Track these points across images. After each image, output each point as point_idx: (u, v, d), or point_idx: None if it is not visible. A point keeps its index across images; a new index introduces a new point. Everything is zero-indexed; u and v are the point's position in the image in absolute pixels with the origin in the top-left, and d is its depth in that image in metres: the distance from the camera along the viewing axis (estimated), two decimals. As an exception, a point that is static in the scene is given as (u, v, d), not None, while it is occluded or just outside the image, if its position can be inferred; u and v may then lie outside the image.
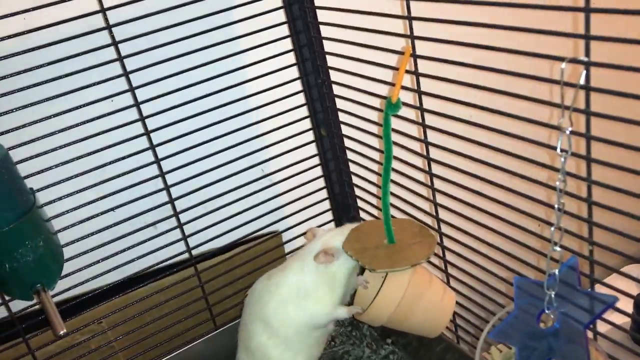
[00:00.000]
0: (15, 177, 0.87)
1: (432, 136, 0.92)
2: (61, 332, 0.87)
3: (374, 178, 1.16)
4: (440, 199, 0.96)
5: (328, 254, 0.97)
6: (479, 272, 0.94)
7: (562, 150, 0.65)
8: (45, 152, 0.95)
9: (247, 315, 1.06)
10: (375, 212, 1.19)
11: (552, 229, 0.68)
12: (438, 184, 0.94)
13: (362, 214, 1.25)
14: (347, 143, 1.18)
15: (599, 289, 0.78)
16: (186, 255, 1.14)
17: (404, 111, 0.93)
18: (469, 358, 1.00)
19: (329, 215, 1.28)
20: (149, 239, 1.09)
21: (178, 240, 1.11)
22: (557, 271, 0.69)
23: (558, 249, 0.68)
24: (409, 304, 0.93)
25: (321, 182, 1.24)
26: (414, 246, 0.92)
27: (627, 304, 0.79)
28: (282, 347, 1.01)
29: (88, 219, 1.02)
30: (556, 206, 0.67)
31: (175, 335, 1.15)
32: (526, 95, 0.73)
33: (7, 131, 0.91)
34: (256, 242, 1.21)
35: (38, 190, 0.94)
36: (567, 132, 0.65)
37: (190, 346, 1.16)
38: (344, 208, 1.26)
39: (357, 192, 1.23)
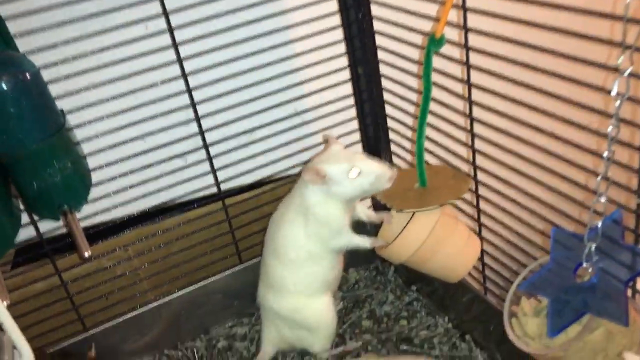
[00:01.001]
0: (45, 96, 0.86)
1: (476, 77, 0.87)
2: (86, 254, 0.88)
3: (410, 121, 1.12)
4: (479, 144, 0.91)
5: (319, 175, 0.92)
6: (514, 223, 0.90)
7: (617, 94, 0.60)
8: (77, 74, 0.93)
9: (264, 248, 1.06)
10: (408, 157, 1.15)
11: (599, 178, 0.64)
12: (478, 128, 0.90)
13: (395, 159, 1.21)
14: (385, 83, 1.13)
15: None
16: (214, 190, 1.13)
17: (447, 49, 0.88)
18: (496, 310, 0.97)
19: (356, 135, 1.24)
20: (178, 170, 1.08)
21: (206, 173, 1.10)
22: (599, 223, 0.65)
23: (603, 200, 0.64)
24: (432, 246, 0.91)
25: (354, 124, 1.21)
26: (445, 188, 0.90)
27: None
28: (297, 275, 1.00)
29: (117, 144, 1.01)
30: (605, 154, 0.63)
31: (200, 267, 1.15)
32: (581, 32, 0.68)
33: (40, 49, 0.89)
34: (285, 181, 1.19)
35: (68, 113, 0.93)
36: (626, 73, 0.60)
37: (215, 279, 1.16)
38: (376, 152, 1.22)
39: (392, 135, 1.18)
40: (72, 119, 0.93)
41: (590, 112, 0.70)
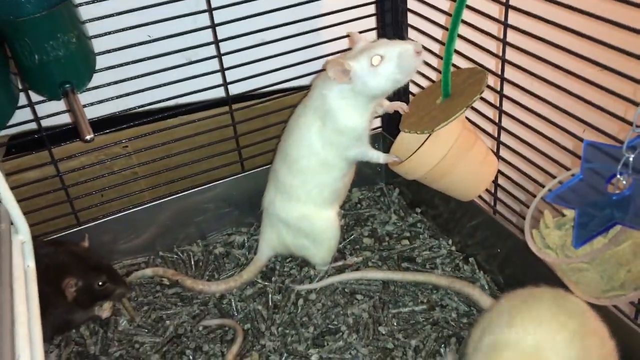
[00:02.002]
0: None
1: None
2: (87, 137, 0.83)
3: (436, 32, 1.06)
4: (510, 54, 0.86)
5: (344, 69, 0.85)
6: (537, 140, 0.86)
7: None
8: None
9: (276, 153, 1.03)
10: (433, 75, 1.10)
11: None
12: (511, 36, 0.85)
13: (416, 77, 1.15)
14: (411, 4, 1.07)
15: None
16: (222, 93, 1.07)
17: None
18: (504, 232, 0.95)
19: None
20: (185, 64, 1.02)
21: (215, 72, 1.04)
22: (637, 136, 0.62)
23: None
24: (450, 163, 0.88)
25: (373, 35, 1.15)
26: (465, 91, 0.85)
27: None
28: (307, 184, 0.97)
29: (124, 29, 0.94)
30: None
31: (201, 172, 1.11)
32: None
33: None
34: (294, 92, 1.14)
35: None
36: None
37: (215, 184, 1.12)
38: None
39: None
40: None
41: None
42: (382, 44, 0.87)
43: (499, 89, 0.90)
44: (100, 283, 0.90)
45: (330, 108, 0.90)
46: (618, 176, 0.64)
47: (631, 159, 0.63)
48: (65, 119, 1.00)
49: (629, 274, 0.65)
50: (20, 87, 0.91)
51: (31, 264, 0.72)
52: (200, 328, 0.95)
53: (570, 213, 0.73)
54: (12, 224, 0.70)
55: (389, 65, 0.85)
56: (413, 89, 1.13)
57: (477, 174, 0.91)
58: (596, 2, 0.73)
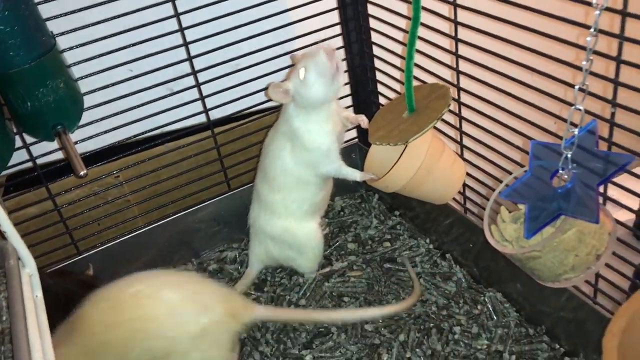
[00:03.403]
0: (36, 17, 0.87)
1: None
2: (81, 173, 0.90)
3: (397, 48, 1.14)
4: (463, 66, 0.94)
5: (278, 89, 0.95)
6: (494, 141, 0.94)
7: (596, 4, 0.63)
8: (65, -4, 0.94)
9: (257, 173, 1.11)
10: (395, 85, 1.18)
11: (576, 87, 0.67)
12: (462, 50, 0.93)
13: (380, 87, 1.23)
14: (371, 10, 1.14)
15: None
16: (203, 118, 1.15)
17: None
18: (475, 229, 1.02)
19: (346, 89, 1.26)
20: (167, 96, 1.09)
21: (195, 100, 1.11)
22: (576, 131, 0.70)
23: (581, 107, 0.68)
24: (425, 172, 0.94)
25: (341, 54, 1.22)
26: (430, 108, 0.92)
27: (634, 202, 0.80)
28: (287, 199, 1.04)
29: (108, 69, 1.01)
30: (584, 64, 0.66)
31: (190, 194, 1.18)
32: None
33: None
34: (271, 112, 1.21)
35: (58, 35, 0.93)
36: (606, -15, 0.62)
37: (204, 205, 1.19)
38: (362, 81, 1.24)
39: (377, 63, 1.20)
40: (61, 42, 0.94)
41: (570, 25, 0.73)
42: (304, 57, 0.96)
43: (457, 97, 0.98)
44: None
45: (295, 129, 0.98)
46: (560, 171, 0.72)
47: (569, 155, 0.70)
48: (59, 155, 1.07)
49: (577, 258, 0.72)
50: (15, 130, 0.98)
51: (39, 294, 0.78)
52: (200, 341, 1.02)
53: (524, 207, 0.81)
54: (19, 259, 0.76)
55: (310, 74, 0.94)
56: (382, 89, 1.21)
57: (449, 178, 0.98)
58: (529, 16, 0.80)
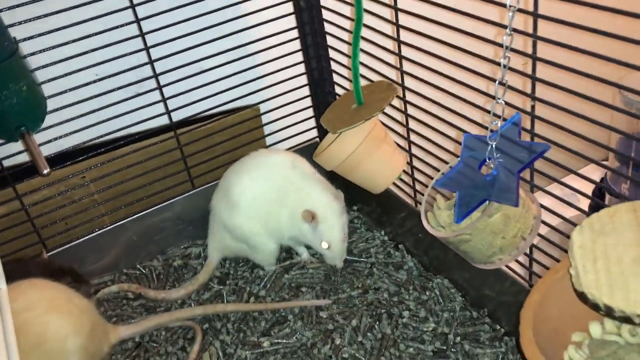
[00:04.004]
0: (-2, 23, 0.91)
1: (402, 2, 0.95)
2: (45, 172, 0.94)
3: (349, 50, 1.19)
4: (406, 66, 1.00)
5: (311, 216, 1.05)
6: (436, 137, 1.00)
7: (510, 6, 0.69)
8: (30, 2, 0.98)
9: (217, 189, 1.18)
10: (350, 86, 1.24)
11: (497, 82, 0.73)
12: (405, 51, 0.99)
13: (338, 89, 1.29)
14: (326, 15, 1.20)
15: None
16: (166, 120, 1.19)
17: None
18: (424, 220, 1.08)
19: (305, 91, 1.32)
20: (130, 98, 1.14)
21: (158, 102, 1.16)
22: (499, 123, 0.76)
23: (502, 101, 0.74)
24: (358, 159, 1.03)
25: (299, 56, 1.28)
26: (376, 103, 0.99)
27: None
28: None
29: (69, 73, 1.05)
30: (502, 61, 0.72)
31: (155, 192, 1.23)
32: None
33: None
34: (234, 114, 1.26)
35: (21, 41, 0.97)
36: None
37: (169, 203, 1.24)
38: (320, 82, 1.30)
39: (334, 66, 1.26)
40: (24, 47, 0.98)
41: (489, 24, 0.79)
42: (338, 240, 1.08)
43: (402, 96, 1.04)
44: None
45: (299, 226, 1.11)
46: (487, 160, 0.78)
47: (494, 145, 0.76)
48: (25, 157, 1.11)
49: (504, 240, 0.78)
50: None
51: (3, 286, 0.83)
52: (164, 332, 1.06)
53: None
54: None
55: (327, 252, 1.09)
56: (339, 90, 1.27)
57: (384, 169, 1.06)
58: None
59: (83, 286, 1.04)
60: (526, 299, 0.69)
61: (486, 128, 0.86)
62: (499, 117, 0.76)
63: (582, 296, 0.63)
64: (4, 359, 0.67)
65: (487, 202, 0.77)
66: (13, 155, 1.08)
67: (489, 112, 0.85)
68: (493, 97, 0.78)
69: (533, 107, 0.77)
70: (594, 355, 0.66)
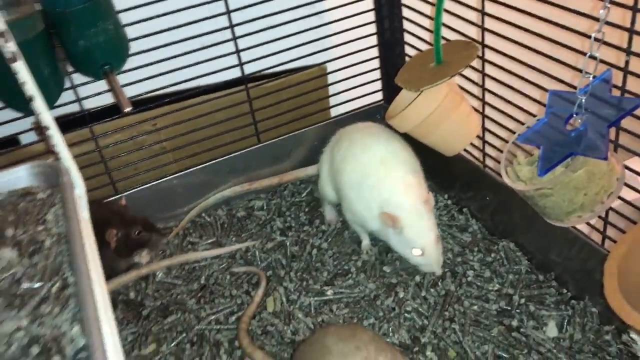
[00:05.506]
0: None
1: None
2: (127, 109, 0.97)
3: (426, 9, 1.18)
4: (487, 23, 0.99)
5: (393, 221, 0.96)
6: (515, 96, 0.99)
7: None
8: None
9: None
10: (424, 48, 1.23)
11: (593, 35, 0.72)
12: (489, 7, 0.97)
13: (408, 50, 1.28)
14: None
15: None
16: (236, 73, 1.21)
17: None
18: (493, 183, 1.08)
19: (374, 52, 1.31)
20: (205, 48, 1.15)
21: (231, 53, 1.17)
22: (590, 78, 0.74)
23: (596, 54, 0.72)
24: (436, 120, 1.00)
25: (371, 16, 1.27)
26: (456, 62, 0.97)
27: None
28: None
29: (146, 19, 1.07)
30: (601, 12, 0.71)
31: (222, 144, 1.25)
32: None
33: None
34: (302, 70, 1.27)
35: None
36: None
37: (234, 155, 1.25)
38: (391, 43, 1.29)
39: (406, 25, 1.25)
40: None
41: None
42: (432, 245, 0.97)
43: (481, 55, 1.03)
44: (136, 232, 1.04)
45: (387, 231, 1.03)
46: (574, 116, 0.77)
47: (583, 100, 0.75)
48: (101, 101, 1.14)
49: (586, 197, 0.77)
50: (67, 71, 1.05)
51: (86, 215, 0.86)
52: (229, 276, 1.09)
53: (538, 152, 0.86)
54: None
55: (418, 258, 0.98)
56: (410, 52, 1.27)
57: (461, 131, 1.04)
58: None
59: (154, 236, 1.07)
60: (610, 251, 0.68)
61: (573, 87, 0.85)
62: (589, 73, 0.74)
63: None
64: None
65: (570, 158, 0.76)
66: (91, 96, 1.11)
67: (576, 70, 0.84)
68: (583, 54, 0.76)
69: (627, 62, 0.76)
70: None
